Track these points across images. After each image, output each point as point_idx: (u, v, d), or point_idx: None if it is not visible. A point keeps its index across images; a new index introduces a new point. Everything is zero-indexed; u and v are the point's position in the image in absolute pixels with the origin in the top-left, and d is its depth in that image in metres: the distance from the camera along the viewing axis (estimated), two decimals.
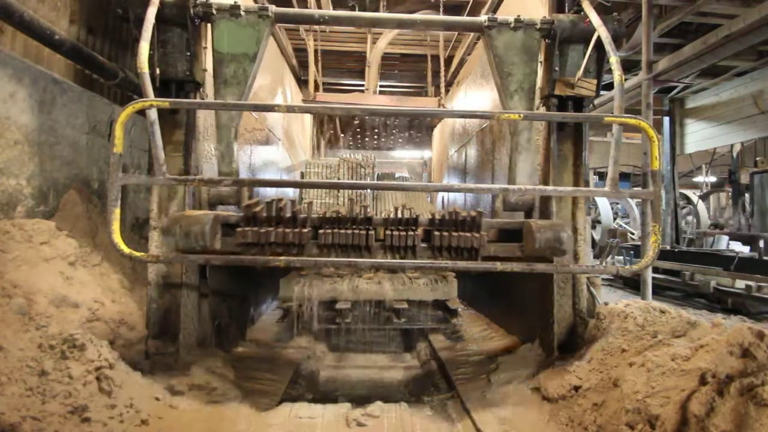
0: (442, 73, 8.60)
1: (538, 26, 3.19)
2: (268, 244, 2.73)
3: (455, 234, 2.77)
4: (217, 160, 3.27)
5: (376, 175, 7.04)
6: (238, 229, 2.73)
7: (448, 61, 8.94)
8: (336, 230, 2.79)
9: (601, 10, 3.46)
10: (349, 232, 2.79)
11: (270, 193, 5.07)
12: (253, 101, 4.37)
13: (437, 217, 2.90)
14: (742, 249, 8.13)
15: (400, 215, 2.89)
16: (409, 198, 5.67)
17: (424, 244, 2.85)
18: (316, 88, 8.69)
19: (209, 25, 3.18)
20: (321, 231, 2.79)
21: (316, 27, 7.99)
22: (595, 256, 8.08)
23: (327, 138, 9.71)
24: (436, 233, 2.79)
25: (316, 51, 8.63)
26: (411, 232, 2.80)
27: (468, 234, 2.76)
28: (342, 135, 9.39)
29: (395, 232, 2.81)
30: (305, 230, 2.78)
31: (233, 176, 3.22)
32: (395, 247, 2.81)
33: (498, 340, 4.20)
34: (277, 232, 2.72)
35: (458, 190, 5.64)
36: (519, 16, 3.22)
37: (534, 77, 3.27)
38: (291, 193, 6.75)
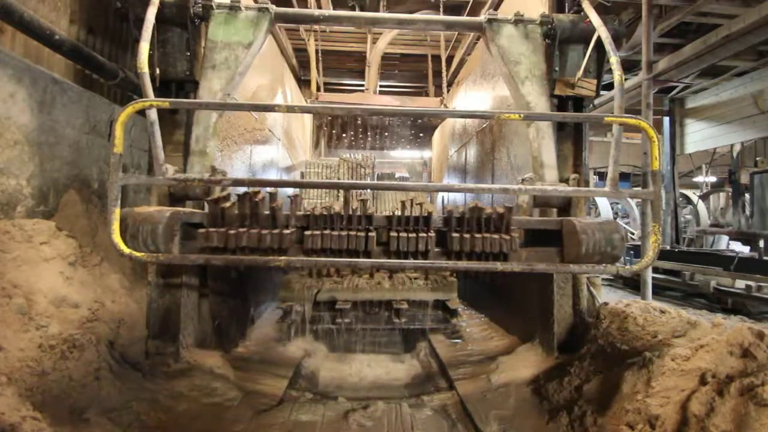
0: (444, 73, 8.60)
1: (538, 21, 3.20)
2: (239, 249, 2.25)
3: (479, 236, 2.30)
4: (191, 141, 2.99)
5: (376, 175, 7.04)
6: (200, 231, 2.28)
7: (448, 61, 8.94)
8: (327, 232, 2.33)
9: (601, 10, 3.47)
10: (344, 234, 2.34)
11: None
12: (253, 101, 4.38)
13: (455, 214, 2.44)
14: (742, 249, 8.13)
15: (408, 213, 2.44)
16: (409, 198, 5.66)
17: (438, 249, 2.38)
18: (318, 89, 8.70)
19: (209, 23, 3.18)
20: (307, 233, 2.32)
21: (317, 27, 8.00)
22: None
23: (326, 137, 9.71)
24: (455, 235, 2.34)
25: (317, 51, 8.63)
26: (423, 234, 2.35)
27: (495, 236, 2.31)
28: (343, 135, 9.39)
29: (402, 234, 2.35)
30: (287, 232, 2.31)
31: (208, 162, 2.93)
32: (403, 253, 2.35)
33: (498, 340, 4.20)
34: (250, 234, 2.22)
35: (458, 190, 5.64)
36: (518, 11, 3.23)
37: (542, 66, 3.20)
38: (291, 192, 6.74)
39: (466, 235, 2.34)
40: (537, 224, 2.61)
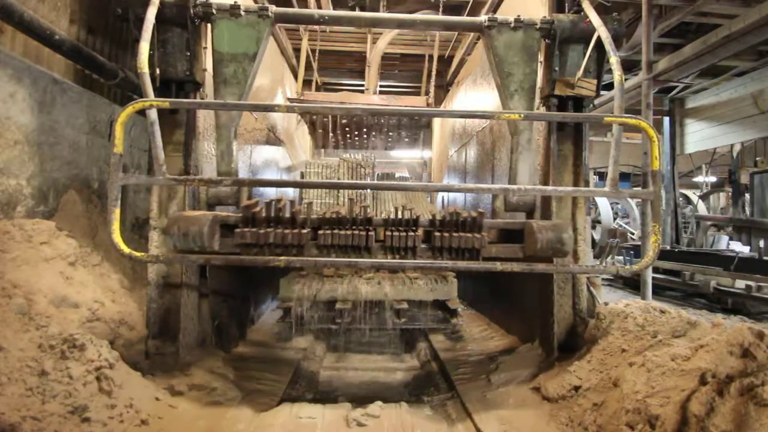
0: (434, 73, 8.62)
1: (538, 26, 3.19)
2: (267, 245, 2.71)
3: (456, 235, 2.74)
4: (216, 159, 3.27)
5: (376, 175, 7.03)
6: (237, 230, 2.71)
7: (449, 61, 8.95)
8: (336, 231, 2.77)
9: (601, 10, 3.47)
10: (349, 233, 2.76)
11: (270, 192, 5.07)
12: (253, 101, 4.37)
13: (438, 217, 2.88)
14: (742, 249, 8.14)
15: (400, 216, 2.87)
16: (409, 198, 5.67)
17: (424, 245, 2.82)
18: (306, 87, 8.67)
19: (209, 25, 3.18)
20: (320, 232, 2.77)
21: (315, 27, 7.99)
22: (595, 256, 8.07)
23: (322, 137, 9.68)
24: (437, 234, 2.77)
25: (311, 51, 8.62)
26: (411, 233, 2.78)
27: (469, 235, 2.74)
28: (332, 135, 9.36)
29: (395, 233, 2.78)
30: (304, 231, 2.76)
31: (233, 176, 3.22)
32: (395, 248, 2.79)
33: (498, 340, 4.21)
34: (276, 233, 2.70)
35: (458, 190, 5.64)
36: (519, 16, 3.21)
37: (534, 77, 3.27)
38: (291, 192, 6.75)
39: (446, 234, 2.75)
40: (504, 225, 3.03)
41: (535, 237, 2.71)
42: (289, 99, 7.68)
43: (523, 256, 2.85)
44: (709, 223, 10.81)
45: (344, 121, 9.11)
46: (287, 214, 2.81)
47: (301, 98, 7.92)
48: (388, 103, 8.18)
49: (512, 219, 3.24)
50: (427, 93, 8.66)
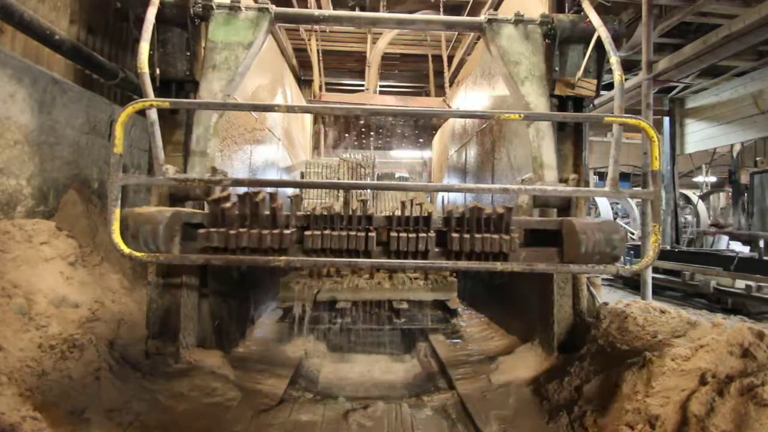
0: (446, 73, 8.61)
1: (538, 21, 3.20)
2: (239, 249, 2.27)
3: (479, 236, 2.31)
4: (192, 143, 2.99)
5: (376, 175, 7.04)
6: (201, 231, 2.28)
7: (449, 61, 8.94)
8: (327, 232, 2.34)
9: (601, 10, 3.47)
10: (344, 234, 2.34)
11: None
12: (253, 101, 4.37)
13: (455, 214, 2.44)
14: (742, 249, 8.13)
15: (408, 213, 2.43)
16: (408, 198, 5.66)
17: (437, 249, 2.39)
18: (320, 89, 8.70)
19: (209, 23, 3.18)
20: (308, 233, 2.34)
21: (317, 27, 8.00)
22: None
23: (327, 137, 9.71)
24: (455, 236, 2.35)
25: (318, 51, 8.64)
26: (422, 234, 2.36)
27: (495, 236, 2.31)
28: (346, 135, 9.40)
29: (402, 234, 2.36)
30: (288, 231, 2.33)
31: (208, 162, 2.94)
32: (402, 253, 2.36)
33: (498, 340, 4.20)
34: (251, 234, 2.24)
35: (458, 190, 5.63)
36: (518, 11, 3.23)
37: (542, 66, 3.20)
38: (290, 192, 6.74)
39: (466, 236, 2.33)
40: (537, 224, 2.61)
41: (578, 238, 2.30)
42: (308, 101, 7.68)
43: (562, 262, 2.47)
44: (709, 224, 10.80)
45: (361, 121, 9.13)
46: (266, 211, 2.35)
47: (320, 100, 7.95)
48: (404, 104, 8.19)
49: (544, 217, 2.86)
50: (444, 94, 8.63)
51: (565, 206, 2.92)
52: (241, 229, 2.28)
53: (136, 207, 2.42)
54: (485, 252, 2.32)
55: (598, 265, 2.46)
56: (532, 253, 2.47)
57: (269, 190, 2.49)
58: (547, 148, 3.02)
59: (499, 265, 2.52)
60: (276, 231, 2.31)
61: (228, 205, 2.30)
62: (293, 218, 2.41)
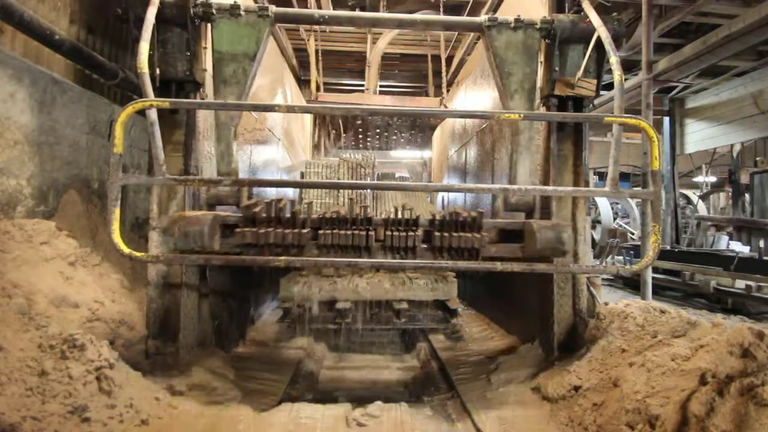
0: (444, 73, 8.61)
1: (538, 26, 3.19)
2: (267, 245, 2.71)
3: (456, 234, 2.75)
4: (216, 159, 3.27)
5: (376, 175, 7.03)
6: (237, 230, 2.72)
7: (448, 61, 8.95)
8: (336, 231, 2.77)
9: (601, 10, 3.47)
10: (349, 232, 2.77)
11: (270, 192, 5.07)
12: (253, 101, 4.37)
13: (437, 217, 2.89)
14: (742, 249, 8.13)
15: (400, 215, 2.87)
16: (409, 198, 5.67)
17: (424, 245, 2.83)
18: (318, 89, 8.70)
19: (209, 25, 3.18)
20: (321, 232, 2.78)
21: (316, 27, 8.00)
22: (595, 256, 8.07)
23: (327, 137, 9.72)
24: (437, 234, 2.78)
25: (317, 51, 8.63)
26: (411, 233, 2.78)
27: (469, 234, 2.75)
28: (344, 135, 9.41)
29: (395, 233, 2.79)
30: (304, 231, 2.77)
31: (233, 176, 3.21)
32: (395, 248, 2.80)
33: (498, 340, 4.21)
34: (276, 233, 2.70)
35: (458, 190, 5.65)
36: (519, 16, 3.21)
37: (534, 77, 3.27)
38: (291, 193, 6.74)
39: (446, 234, 2.76)
40: (504, 225, 3.03)
41: (535, 237, 2.72)
42: (307, 101, 7.68)
43: (523, 256, 2.86)
44: (709, 223, 10.80)
45: (359, 122, 9.15)
46: (287, 214, 2.82)
47: (318, 100, 7.94)
48: (402, 104, 8.19)
49: (512, 219, 3.25)
50: (440, 94, 8.64)
51: (530, 210, 3.32)
52: (268, 229, 2.71)
53: (184, 211, 2.95)
54: (461, 247, 2.76)
55: (596, 265, 2.48)
56: (500, 248, 2.90)
57: (289, 196, 2.72)
58: (522, 167, 3.31)
59: (499, 266, 2.61)
60: (296, 230, 2.75)
61: (258, 209, 2.77)
62: (309, 220, 2.84)
